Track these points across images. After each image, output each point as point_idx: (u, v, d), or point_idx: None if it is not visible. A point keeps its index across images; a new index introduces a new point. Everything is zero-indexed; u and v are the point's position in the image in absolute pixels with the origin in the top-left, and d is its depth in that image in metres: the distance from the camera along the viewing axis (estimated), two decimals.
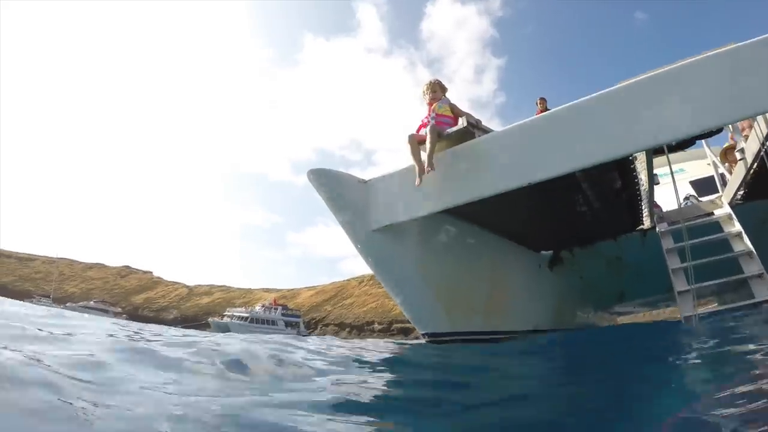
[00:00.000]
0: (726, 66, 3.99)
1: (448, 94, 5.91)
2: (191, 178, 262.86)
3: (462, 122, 5.33)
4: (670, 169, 7.41)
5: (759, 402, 2.22)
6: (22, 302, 14.23)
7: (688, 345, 4.45)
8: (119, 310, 67.40)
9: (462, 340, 6.11)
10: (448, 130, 5.42)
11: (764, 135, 5.66)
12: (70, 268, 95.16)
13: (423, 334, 6.26)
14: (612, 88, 4.49)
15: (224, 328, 49.07)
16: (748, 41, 3.99)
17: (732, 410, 2.15)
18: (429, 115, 5.64)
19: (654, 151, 6.69)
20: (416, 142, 5.39)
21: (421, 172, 5.11)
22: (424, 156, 5.20)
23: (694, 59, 4.18)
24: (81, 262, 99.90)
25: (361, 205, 5.61)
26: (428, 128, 5.33)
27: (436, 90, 5.82)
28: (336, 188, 5.60)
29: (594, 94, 4.54)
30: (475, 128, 5.31)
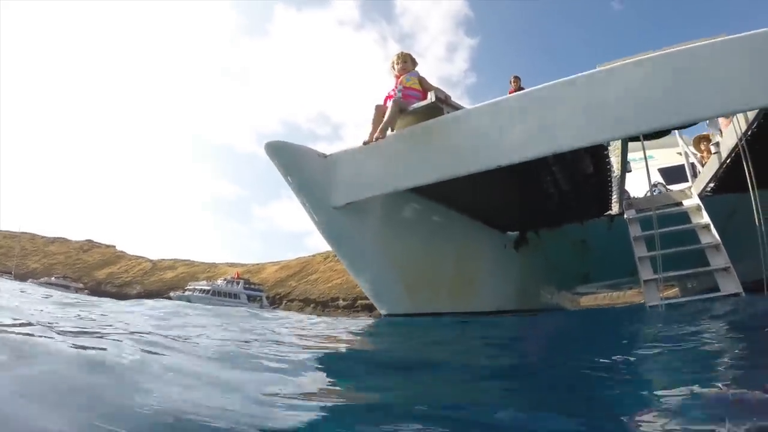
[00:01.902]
0: (711, 58, 3.83)
1: (418, 69, 5.64)
2: (155, 149, 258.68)
3: (430, 97, 5.04)
4: (645, 158, 7.29)
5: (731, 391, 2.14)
6: None
7: (656, 334, 4.34)
8: (81, 285, 66.32)
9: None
10: (415, 105, 5.16)
11: (742, 131, 5.58)
12: (31, 242, 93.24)
13: (384, 315, 6.10)
14: (592, 71, 4.26)
15: (186, 302, 48.57)
16: (732, 36, 3.85)
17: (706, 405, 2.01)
18: (396, 87, 5.37)
19: (629, 138, 6.57)
20: (381, 112, 5.19)
21: (370, 138, 5.03)
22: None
23: (679, 47, 4.00)
24: (43, 237, 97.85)
25: (321, 180, 5.31)
26: (392, 101, 5.10)
27: (407, 61, 5.53)
28: (295, 163, 5.29)
29: (573, 76, 4.30)
30: (443, 104, 5.04)
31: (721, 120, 6.74)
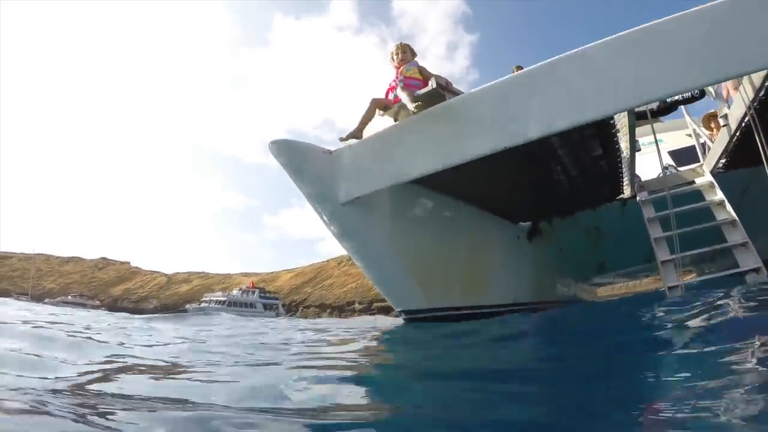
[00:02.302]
0: (708, 23, 3.71)
1: (417, 61, 5.56)
2: (165, 164, 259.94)
3: (432, 83, 4.94)
4: (654, 135, 7.14)
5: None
6: None
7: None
8: (98, 303, 66.75)
9: (439, 317, 5.87)
10: (416, 93, 5.04)
11: (750, 99, 5.43)
12: (46, 263, 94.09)
13: (399, 312, 6.01)
14: (591, 44, 4.14)
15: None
16: None
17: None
18: (397, 78, 5.29)
19: (636, 117, 6.44)
20: (376, 106, 5.17)
21: (354, 134, 5.10)
22: (382, 121, 5.17)
23: (675, 16, 3.89)
24: (57, 257, 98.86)
25: (327, 176, 5.22)
26: (398, 89, 5.04)
27: (406, 52, 5.44)
28: (300, 160, 5.20)
29: (573, 51, 4.18)
30: (445, 90, 4.91)
31: (729, 88, 6.60)
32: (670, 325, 3.62)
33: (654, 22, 3.93)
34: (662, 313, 4.13)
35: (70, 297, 63.24)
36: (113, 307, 70.52)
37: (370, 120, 5.12)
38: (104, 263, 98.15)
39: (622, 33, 4.02)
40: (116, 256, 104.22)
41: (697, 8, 3.79)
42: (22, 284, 75.33)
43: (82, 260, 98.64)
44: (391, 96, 5.16)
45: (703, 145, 8.94)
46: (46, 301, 55.29)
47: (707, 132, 8.69)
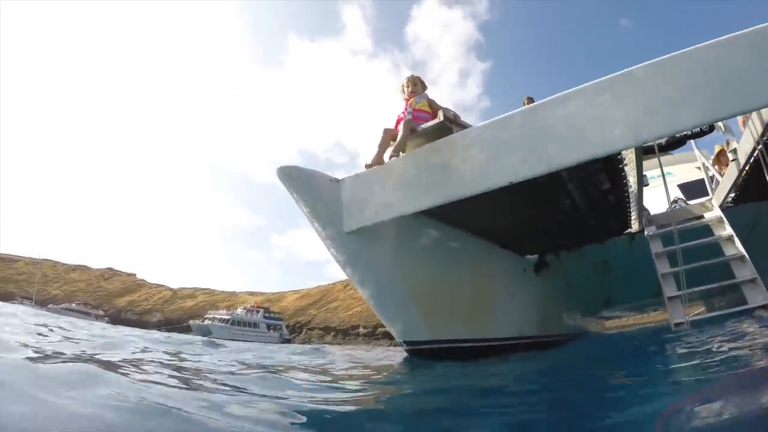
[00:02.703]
0: (715, 58, 3.70)
1: (428, 93, 5.62)
2: (176, 179, 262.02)
3: (439, 116, 4.98)
4: (661, 169, 7.16)
5: None
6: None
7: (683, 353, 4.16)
8: (101, 312, 66.71)
9: (443, 349, 5.79)
10: (424, 125, 5.09)
11: (759, 134, 5.41)
12: (53, 269, 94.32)
13: (401, 343, 5.94)
14: (599, 80, 4.13)
15: (205, 331, 48.63)
16: (737, 33, 3.71)
17: None
18: (406, 109, 5.32)
19: (644, 152, 6.42)
20: (390, 135, 5.19)
21: (376, 161, 5.05)
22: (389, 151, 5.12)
23: (682, 51, 3.88)
24: (64, 264, 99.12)
25: (333, 204, 5.23)
26: (403, 123, 5.06)
27: (417, 84, 5.52)
28: (306, 187, 5.20)
29: (580, 86, 4.18)
30: (452, 123, 4.95)
31: (740, 121, 6.59)
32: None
33: (661, 57, 3.92)
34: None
35: (74, 304, 63.19)
36: (117, 318, 70.47)
37: (387, 148, 5.17)
38: (110, 273, 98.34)
39: (629, 68, 4.01)
40: (123, 268, 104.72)
41: (704, 44, 3.79)
42: (27, 288, 75.35)
43: (88, 269, 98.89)
44: (400, 127, 5.17)
45: (712, 178, 8.91)
46: (50, 306, 55.48)
47: (717, 167, 8.66)
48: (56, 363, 2.99)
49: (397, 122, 5.36)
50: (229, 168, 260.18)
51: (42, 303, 62.43)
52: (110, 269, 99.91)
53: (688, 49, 3.83)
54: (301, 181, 5.20)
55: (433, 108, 5.30)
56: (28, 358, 2.98)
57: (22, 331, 5.52)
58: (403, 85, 5.57)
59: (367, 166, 5.03)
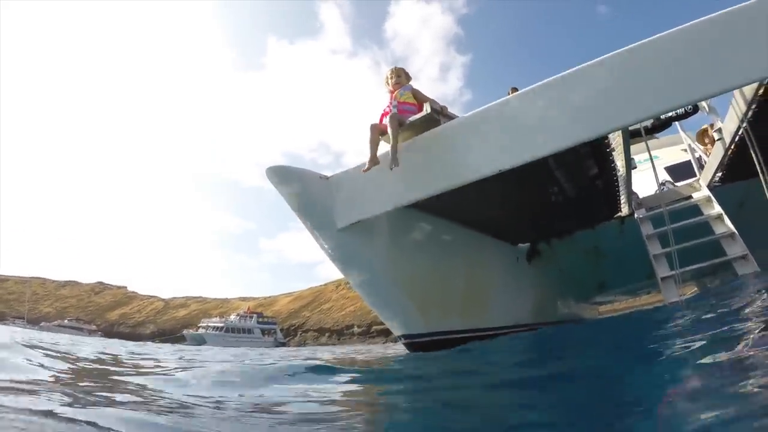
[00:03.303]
0: (697, 39, 3.74)
1: (411, 83, 5.53)
2: (162, 188, 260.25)
3: (426, 108, 4.95)
4: (649, 153, 7.16)
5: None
6: None
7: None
8: (94, 327, 66.19)
9: (440, 341, 5.79)
10: (411, 118, 5.05)
11: (743, 113, 5.45)
12: (42, 287, 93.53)
13: (399, 337, 5.94)
14: (583, 65, 4.17)
15: (200, 340, 48.39)
16: (717, 13, 3.75)
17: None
18: (391, 103, 5.26)
19: (631, 135, 6.44)
20: (377, 131, 5.05)
21: (372, 162, 4.82)
22: (384, 147, 4.98)
23: (664, 33, 3.91)
24: (54, 281, 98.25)
25: (324, 202, 5.22)
26: (389, 117, 4.95)
27: (401, 75, 5.42)
28: (296, 185, 5.18)
29: (564, 72, 4.21)
30: (440, 115, 4.94)
31: None
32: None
33: (644, 40, 3.95)
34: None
35: (66, 321, 62.74)
36: (110, 332, 70.14)
37: (377, 143, 5.03)
38: (101, 287, 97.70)
39: (613, 52, 4.04)
40: (113, 281, 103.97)
41: (685, 25, 3.83)
42: (18, 307, 74.57)
43: (78, 284, 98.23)
44: (385, 121, 5.10)
45: (699, 159, 8.96)
46: (42, 324, 55.07)
47: (702, 147, 8.71)
48: None
49: (382, 116, 5.30)
50: (214, 174, 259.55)
51: (34, 321, 61.97)
52: (100, 283, 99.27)
53: (669, 31, 3.87)
54: (291, 180, 5.18)
55: (419, 99, 5.23)
56: None
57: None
58: (386, 77, 5.48)
59: (366, 170, 4.83)
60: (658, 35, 3.91)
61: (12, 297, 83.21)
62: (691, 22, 3.80)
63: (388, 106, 5.22)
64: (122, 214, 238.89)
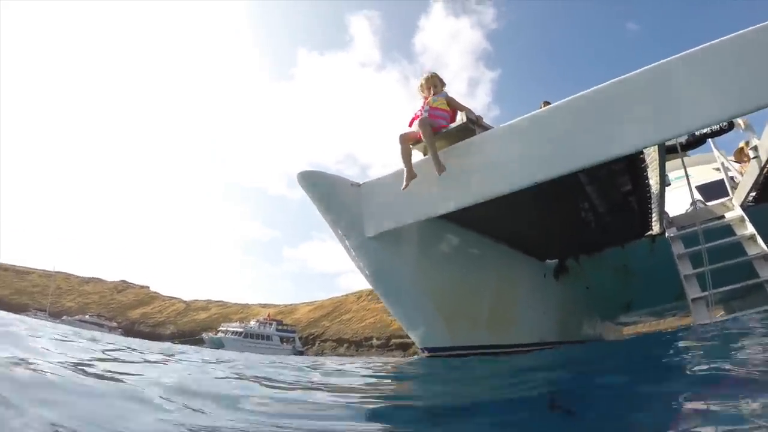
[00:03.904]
0: (736, 53, 3.64)
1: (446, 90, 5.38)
2: (188, 191, 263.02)
3: (461, 117, 4.89)
4: (685, 169, 7.01)
5: None
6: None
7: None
8: (115, 324, 66.92)
9: (463, 355, 5.71)
10: (447, 128, 4.98)
11: None
12: (66, 282, 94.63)
13: (422, 349, 5.88)
14: (618, 78, 4.08)
15: (218, 344, 48.65)
16: (756, 26, 3.64)
17: None
18: (423, 107, 5.14)
19: (667, 151, 6.33)
20: (408, 141, 4.92)
21: (410, 176, 4.72)
22: (416, 157, 4.91)
23: (702, 46, 3.81)
24: (78, 276, 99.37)
25: (354, 209, 5.21)
26: (419, 121, 4.83)
27: (437, 84, 5.27)
28: (328, 191, 5.20)
29: (600, 85, 4.15)
30: (475, 125, 4.88)
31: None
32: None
33: (681, 53, 3.87)
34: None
35: (87, 316, 63.40)
36: (130, 330, 70.74)
37: (410, 155, 4.89)
38: (124, 286, 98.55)
39: (649, 66, 3.96)
40: (136, 280, 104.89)
41: (722, 38, 3.73)
42: (41, 300, 75.43)
43: (102, 281, 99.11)
44: (414, 125, 5.00)
45: (732, 178, 8.78)
46: (64, 318, 55.77)
47: (737, 165, 8.53)
48: None
49: (412, 120, 5.17)
50: (241, 181, 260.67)
51: (56, 315, 62.75)
52: (124, 282, 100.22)
53: (705, 45, 3.78)
54: (323, 186, 5.19)
55: (453, 106, 5.13)
56: None
57: None
58: (421, 84, 5.34)
59: (405, 188, 4.74)
60: (694, 49, 3.82)
61: (36, 290, 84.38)
62: (728, 36, 3.72)
63: (420, 110, 5.13)
64: (149, 216, 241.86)
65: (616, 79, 4.08)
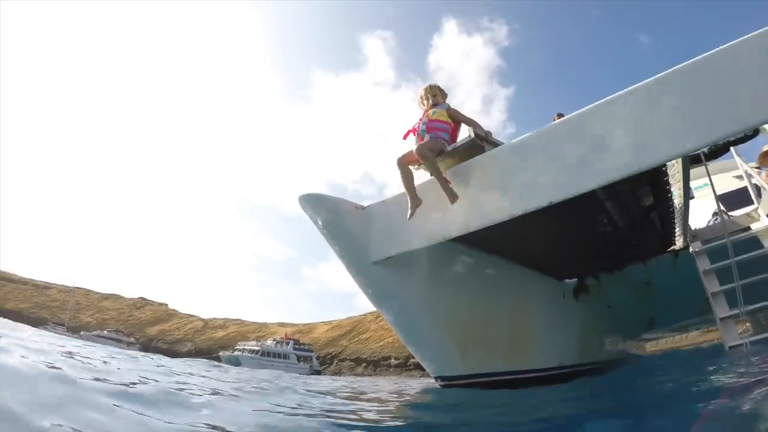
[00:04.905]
0: (756, 55, 3.27)
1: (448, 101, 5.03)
2: (207, 210, 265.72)
3: (470, 134, 4.52)
4: (710, 179, 6.67)
5: None
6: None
7: None
8: (132, 340, 67.24)
9: (480, 385, 5.39)
10: (452, 145, 4.65)
11: None
12: (86, 297, 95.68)
13: (435, 378, 5.55)
14: (636, 85, 3.68)
15: (235, 362, 48.40)
16: None
17: None
18: (421, 120, 4.80)
19: (690, 161, 5.98)
20: (408, 164, 4.58)
21: (414, 204, 4.41)
22: (423, 177, 4.61)
23: (723, 47, 3.43)
24: (97, 292, 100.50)
25: (359, 233, 4.92)
26: (415, 152, 4.42)
27: (436, 95, 4.92)
28: (331, 216, 4.90)
29: (618, 93, 3.76)
30: (484, 141, 4.53)
31: None
32: None
33: (704, 54, 3.48)
34: None
35: (106, 332, 63.94)
36: (148, 346, 70.96)
37: (412, 180, 4.55)
38: (142, 303, 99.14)
39: (670, 70, 3.58)
40: (155, 297, 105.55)
41: (744, 37, 3.35)
42: (60, 315, 76.06)
43: (120, 298, 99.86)
44: (411, 137, 4.72)
45: (757, 187, 8.39)
46: (82, 333, 56.20)
47: (765, 170, 8.13)
48: None
49: (407, 133, 4.85)
50: (259, 201, 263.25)
51: (74, 330, 63.29)
52: (142, 299, 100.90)
53: (725, 46, 3.41)
54: (325, 209, 4.91)
55: (455, 119, 4.78)
56: None
57: None
58: (421, 96, 5.01)
59: (411, 217, 4.45)
60: (718, 49, 3.43)
61: (55, 304, 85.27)
62: (752, 34, 3.36)
63: (417, 123, 4.81)
64: (170, 234, 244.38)
65: (635, 86, 3.71)
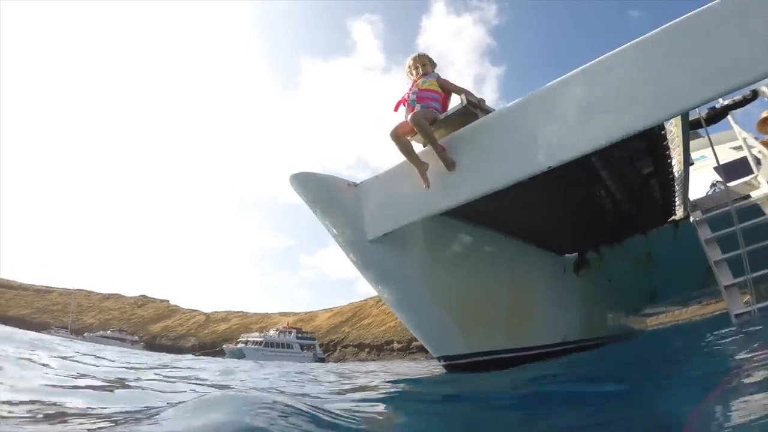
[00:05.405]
0: (756, 7, 3.08)
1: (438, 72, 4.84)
2: (204, 204, 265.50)
3: (462, 101, 4.39)
4: (711, 143, 6.51)
5: None
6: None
7: None
8: (136, 338, 67.40)
9: (482, 362, 5.30)
10: (445, 113, 4.50)
11: None
12: (87, 299, 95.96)
13: (438, 358, 5.46)
14: (629, 44, 3.51)
15: (239, 354, 48.51)
16: None
17: None
18: (411, 90, 4.61)
19: (690, 126, 5.83)
20: (403, 135, 4.34)
21: (423, 170, 4.20)
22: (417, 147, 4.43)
23: (717, 1, 3.26)
24: (98, 293, 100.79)
25: (353, 211, 4.76)
26: (410, 119, 4.26)
27: (425, 64, 4.73)
28: (322, 193, 4.76)
29: (614, 50, 3.57)
30: (477, 108, 4.38)
31: None
32: None
33: (696, 11, 3.32)
34: None
35: (109, 332, 64.14)
36: (152, 344, 71.39)
37: (411, 147, 4.34)
38: (144, 300, 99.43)
39: (666, 25, 3.37)
40: (156, 294, 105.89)
41: None
42: (62, 318, 76.26)
43: (122, 297, 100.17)
44: (401, 109, 4.57)
45: (756, 157, 8.27)
46: (86, 335, 56.41)
47: (762, 139, 8.00)
48: None
49: (398, 104, 4.69)
50: (255, 190, 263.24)
51: (77, 332, 63.52)
52: (143, 296, 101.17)
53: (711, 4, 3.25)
54: (316, 188, 4.77)
55: (446, 89, 4.62)
56: None
57: None
58: (409, 66, 4.79)
59: (428, 186, 4.24)
60: (712, 3, 3.24)
61: (57, 308, 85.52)
62: None
63: (407, 93, 4.63)
64: (167, 231, 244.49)
65: (629, 44, 3.52)
